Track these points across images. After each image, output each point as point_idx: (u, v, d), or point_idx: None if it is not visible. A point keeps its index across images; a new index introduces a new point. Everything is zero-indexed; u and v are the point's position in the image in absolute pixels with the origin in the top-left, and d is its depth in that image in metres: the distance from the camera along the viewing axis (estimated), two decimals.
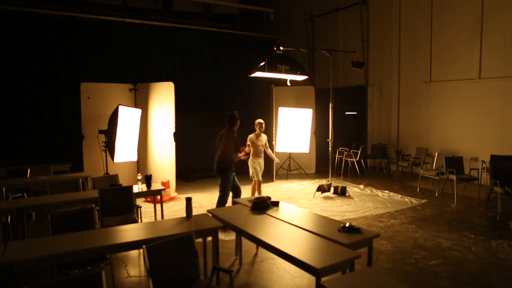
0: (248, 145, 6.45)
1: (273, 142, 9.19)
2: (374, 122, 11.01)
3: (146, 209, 6.25)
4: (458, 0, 8.64)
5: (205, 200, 7.27)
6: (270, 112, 9.36)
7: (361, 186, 8.28)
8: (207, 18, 12.92)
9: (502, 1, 7.83)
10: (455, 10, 8.71)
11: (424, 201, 7.00)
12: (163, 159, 7.44)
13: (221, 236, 4.86)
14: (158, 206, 5.56)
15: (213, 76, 11.31)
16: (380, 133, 10.82)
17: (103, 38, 9.45)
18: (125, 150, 7.10)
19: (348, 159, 9.84)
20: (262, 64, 6.90)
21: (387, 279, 2.57)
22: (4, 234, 4.53)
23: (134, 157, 7.40)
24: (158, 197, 5.50)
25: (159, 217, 5.54)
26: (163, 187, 5.52)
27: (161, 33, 10.26)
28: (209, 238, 3.69)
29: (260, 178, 6.77)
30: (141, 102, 7.77)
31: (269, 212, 4.08)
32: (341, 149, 10.18)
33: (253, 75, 7.27)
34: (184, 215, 3.79)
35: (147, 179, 5.33)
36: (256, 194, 6.59)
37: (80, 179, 6.05)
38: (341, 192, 7.41)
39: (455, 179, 6.91)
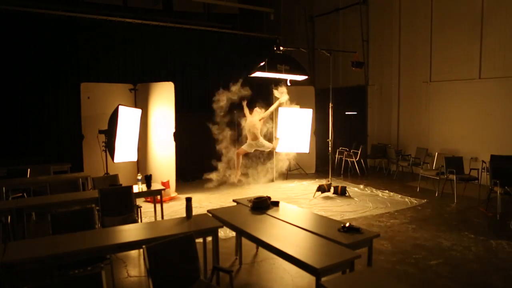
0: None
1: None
2: (374, 122, 11.01)
3: (146, 209, 6.24)
4: (458, 0, 8.64)
5: (205, 200, 7.27)
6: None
7: (361, 186, 8.27)
8: (207, 18, 12.91)
9: (502, 1, 7.83)
10: (455, 10, 8.71)
11: (424, 201, 6.99)
12: (163, 159, 7.44)
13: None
14: (158, 206, 5.55)
15: (213, 76, 11.30)
16: (380, 133, 10.82)
17: (103, 38, 9.44)
18: (125, 150, 7.10)
19: (348, 159, 9.83)
20: (262, 64, 6.91)
21: (387, 279, 2.57)
22: (4, 234, 4.53)
23: (134, 157, 7.39)
24: (158, 197, 5.50)
25: (159, 217, 5.53)
26: (163, 187, 5.52)
27: (161, 33, 10.24)
28: (209, 238, 3.69)
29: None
30: (141, 102, 7.77)
31: (269, 212, 4.08)
32: (341, 149, 10.18)
33: (253, 75, 7.27)
34: (184, 215, 3.79)
35: (147, 179, 5.32)
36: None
37: (80, 179, 6.05)
38: (341, 192, 7.41)
39: (455, 179, 6.91)
